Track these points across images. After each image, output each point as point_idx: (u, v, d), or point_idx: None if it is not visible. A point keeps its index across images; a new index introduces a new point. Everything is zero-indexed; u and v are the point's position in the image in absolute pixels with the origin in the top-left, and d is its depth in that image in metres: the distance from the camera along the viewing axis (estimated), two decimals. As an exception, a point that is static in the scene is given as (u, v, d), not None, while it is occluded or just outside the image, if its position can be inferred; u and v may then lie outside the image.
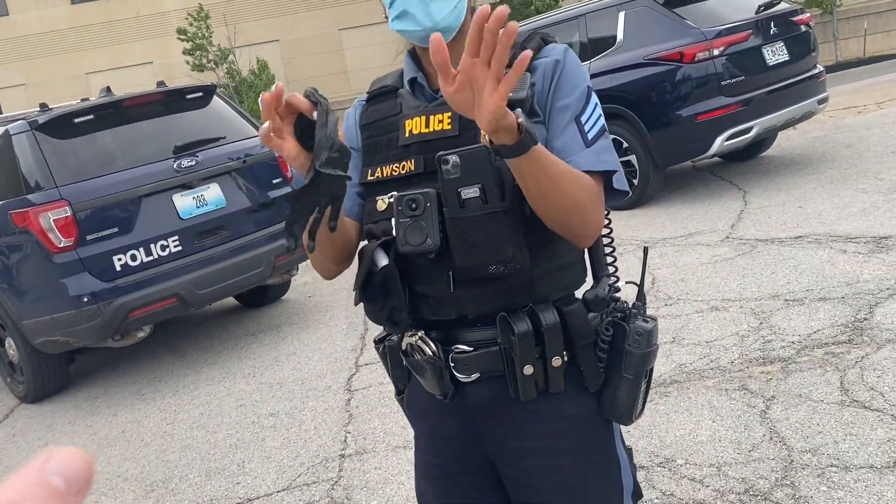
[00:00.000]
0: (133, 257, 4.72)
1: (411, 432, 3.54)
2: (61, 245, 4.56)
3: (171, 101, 5.29)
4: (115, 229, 4.70)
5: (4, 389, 5.42)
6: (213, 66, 21.51)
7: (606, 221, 1.41)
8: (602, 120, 1.34)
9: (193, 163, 5.03)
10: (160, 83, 5.61)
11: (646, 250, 1.42)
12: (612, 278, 1.44)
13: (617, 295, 1.41)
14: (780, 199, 5.84)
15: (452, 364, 1.36)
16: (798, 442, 2.81)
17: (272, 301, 6.26)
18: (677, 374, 3.50)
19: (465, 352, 1.35)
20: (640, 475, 2.78)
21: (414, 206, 1.29)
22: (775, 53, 6.23)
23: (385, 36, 25.23)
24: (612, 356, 1.36)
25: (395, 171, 1.39)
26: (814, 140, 7.91)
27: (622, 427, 1.46)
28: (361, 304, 1.42)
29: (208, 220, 5.02)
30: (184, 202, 4.95)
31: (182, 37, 21.17)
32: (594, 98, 1.34)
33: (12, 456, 4.31)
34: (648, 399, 1.41)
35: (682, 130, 6.09)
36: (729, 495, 2.60)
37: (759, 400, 3.15)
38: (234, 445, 3.83)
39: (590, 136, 1.31)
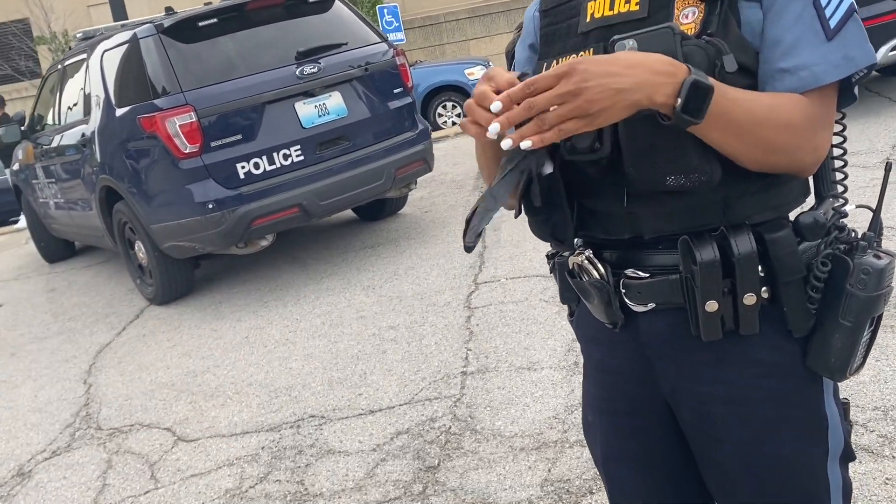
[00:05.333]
0: (256, 165, 4.70)
1: (534, 353, 3.41)
2: (187, 151, 4.58)
3: (293, 4, 5.15)
4: (239, 136, 4.68)
5: (136, 290, 5.62)
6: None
7: (839, 128, 1.15)
8: None
9: (316, 70, 4.92)
10: (282, -14, 5.48)
11: (888, 166, 1.12)
12: (840, 199, 1.17)
13: (842, 221, 1.14)
14: (949, 119, 5.23)
15: (624, 290, 1.16)
16: (982, 389, 2.49)
17: (389, 214, 6.19)
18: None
19: (638, 277, 1.14)
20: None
21: None
22: (956, -49, 5.47)
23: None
24: (827, 297, 1.10)
25: None
26: None
27: None
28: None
29: (330, 129, 4.93)
30: (306, 110, 4.86)
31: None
32: None
33: (143, 355, 4.46)
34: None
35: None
36: (898, 443, 2.34)
37: (931, 340, 2.82)
38: (355, 356, 3.80)
39: (832, 22, 1.03)
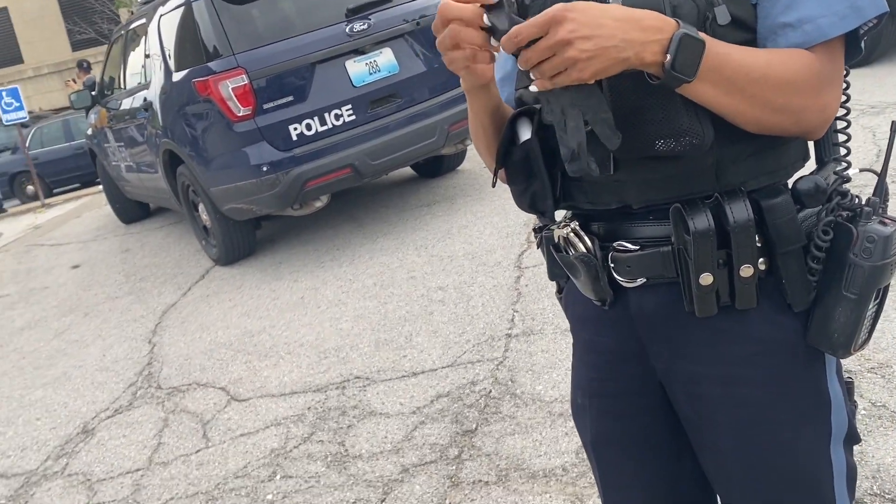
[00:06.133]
0: (308, 127, 4.70)
1: (583, 315, 3.33)
2: (240, 114, 4.61)
3: (342, -40, 5.08)
4: (291, 98, 4.68)
5: (202, 251, 5.77)
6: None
7: (843, 85, 1.04)
8: None
9: (366, 26, 4.86)
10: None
11: (894, 126, 1.01)
12: (842, 163, 1.07)
13: (845, 186, 1.05)
14: None
15: (612, 264, 1.09)
16: None
17: (448, 171, 6.14)
18: (899, 266, 2.98)
19: (627, 250, 1.07)
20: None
21: None
22: None
23: None
24: (829, 268, 1.01)
25: None
26: None
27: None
28: None
29: (381, 87, 4.87)
30: (356, 69, 4.82)
31: None
32: None
33: (205, 315, 4.59)
34: None
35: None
36: (958, 415, 2.19)
37: None
38: (403, 318, 3.81)
39: None
